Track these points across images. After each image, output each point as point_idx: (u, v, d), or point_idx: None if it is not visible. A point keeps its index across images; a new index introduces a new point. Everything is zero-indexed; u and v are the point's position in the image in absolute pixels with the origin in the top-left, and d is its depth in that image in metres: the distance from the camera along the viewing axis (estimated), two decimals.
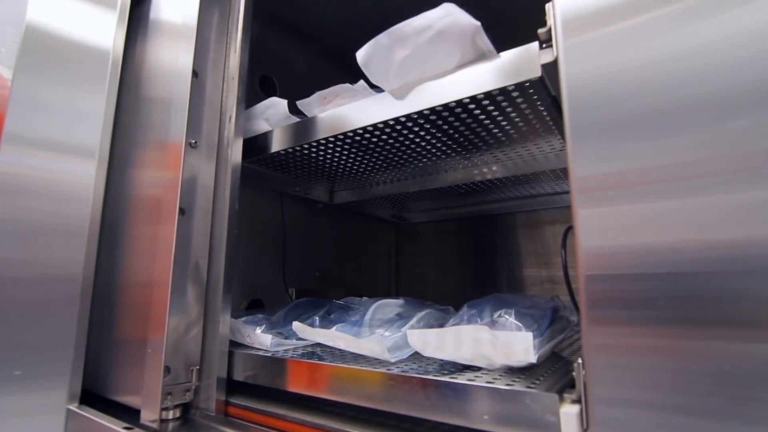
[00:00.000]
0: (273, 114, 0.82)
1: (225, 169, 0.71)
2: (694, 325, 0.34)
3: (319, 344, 0.74)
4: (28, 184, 0.74)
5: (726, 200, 0.34)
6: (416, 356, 0.61)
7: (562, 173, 0.94)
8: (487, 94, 0.58)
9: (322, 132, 0.74)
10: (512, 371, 0.51)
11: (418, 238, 1.58)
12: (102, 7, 0.81)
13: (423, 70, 0.61)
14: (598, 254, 0.38)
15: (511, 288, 1.32)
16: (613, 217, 0.38)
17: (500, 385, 0.45)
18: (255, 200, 1.07)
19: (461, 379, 0.48)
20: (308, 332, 0.70)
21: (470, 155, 0.87)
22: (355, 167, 0.95)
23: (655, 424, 0.34)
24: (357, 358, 0.62)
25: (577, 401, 0.40)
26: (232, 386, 0.67)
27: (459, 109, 0.64)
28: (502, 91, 0.57)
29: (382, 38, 0.59)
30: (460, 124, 0.70)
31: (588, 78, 0.41)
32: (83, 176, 0.74)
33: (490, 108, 0.63)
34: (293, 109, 0.79)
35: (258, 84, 1.14)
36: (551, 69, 0.50)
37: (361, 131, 0.72)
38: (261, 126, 0.84)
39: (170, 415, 0.61)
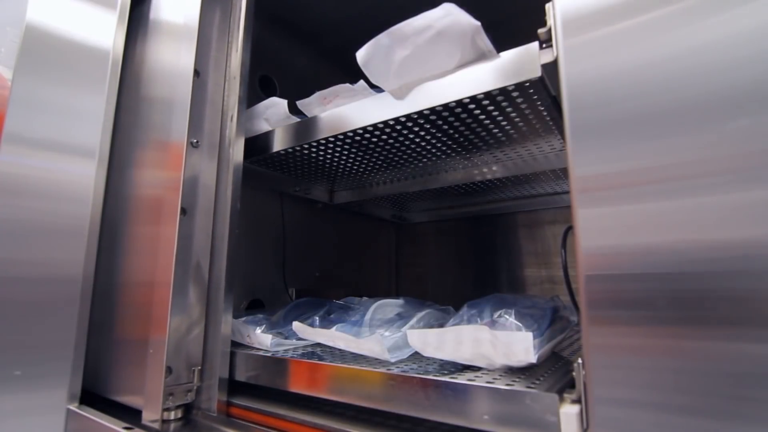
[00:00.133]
0: (273, 114, 0.82)
1: (227, 168, 0.71)
2: (694, 325, 0.34)
3: (319, 344, 0.74)
4: (28, 184, 0.74)
5: (726, 200, 0.34)
6: (416, 356, 0.61)
7: (562, 173, 0.94)
8: (487, 94, 0.58)
9: (323, 132, 0.74)
10: (512, 371, 0.51)
11: (418, 238, 1.58)
12: (102, 7, 0.81)
13: (423, 70, 0.61)
14: (598, 254, 0.38)
15: (511, 288, 1.32)
16: (613, 217, 0.38)
17: (500, 385, 0.45)
18: (255, 200, 1.07)
19: (461, 379, 0.48)
20: (308, 332, 0.70)
21: (470, 155, 0.87)
22: (355, 167, 0.95)
23: (655, 424, 0.34)
24: (357, 358, 0.62)
25: (577, 401, 0.40)
26: (233, 387, 0.66)
27: (459, 109, 0.64)
28: (502, 91, 0.57)
29: (382, 38, 0.59)
30: (460, 124, 0.70)
31: (588, 78, 0.41)
32: (83, 176, 0.74)
33: (490, 108, 0.63)
34: (293, 109, 0.79)
35: (258, 84, 1.13)
36: (551, 69, 0.50)
37: (361, 131, 0.72)
38: (261, 126, 0.84)
39: (172, 415, 0.61)
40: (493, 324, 0.54)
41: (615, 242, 0.38)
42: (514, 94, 0.58)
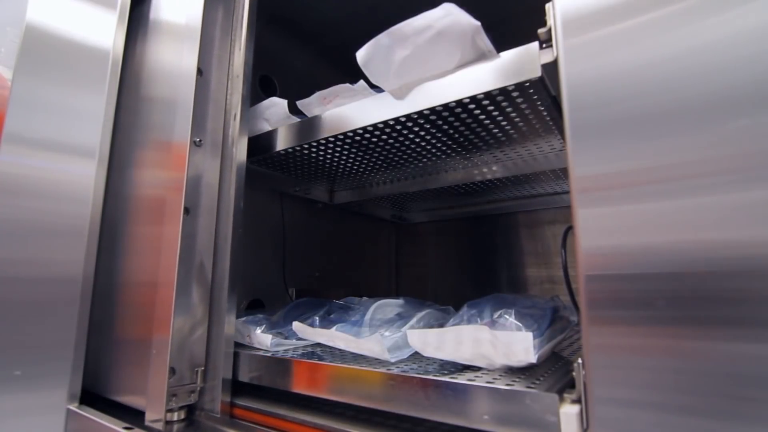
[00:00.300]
0: (273, 114, 0.82)
1: (230, 167, 0.70)
2: (694, 325, 0.34)
3: (319, 344, 0.74)
4: (28, 184, 0.73)
5: (726, 200, 0.34)
6: (416, 356, 0.61)
7: (562, 173, 0.94)
8: (487, 94, 0.58)
9: (323, 132, 0.74)
10: (512, 371, 0.51)
11: (418, 238, 1.58)
12: (102, 7, 0.81)
13: (423, 70, 0.61)
14: (598, 254, 0.38)
15: (511, 288, 1.32)
16: (613, 217, 0.38)
17: (500, 385, 0.45)
18: (255, 200, 1.07)
19: (461, 379, 0.48)
20: (308, 332, 0.70)
21: (470, 155, 0.87)
22: (355, 167, 0.95)
23: (655, 424, 0.34)
24: (357, 358, 0.62)
25: (577, 401, 0.40)
26: (237, 387, 0.66)
27: (459, 109, 0.64)
28: (502, 91, 0.57)
29: (382, 38, 0.59)
30: (460, 124, 0.70)
31: (588, 78, 0.41)
32: (83, 176, 0.74)
33: (490, 108, 0.63)
34: (293, 109, 0.79)
35: (258, 84, 1.14)
36: (551, 69, 0.50)
37: (361, 131, 0.72)
38: (261, 126, 0.84)
39: (175, 416, 0.61)
40: (493, 324, 0.54)
41: (615, 242, 0.38)
42: (514, 94, 0.58)
